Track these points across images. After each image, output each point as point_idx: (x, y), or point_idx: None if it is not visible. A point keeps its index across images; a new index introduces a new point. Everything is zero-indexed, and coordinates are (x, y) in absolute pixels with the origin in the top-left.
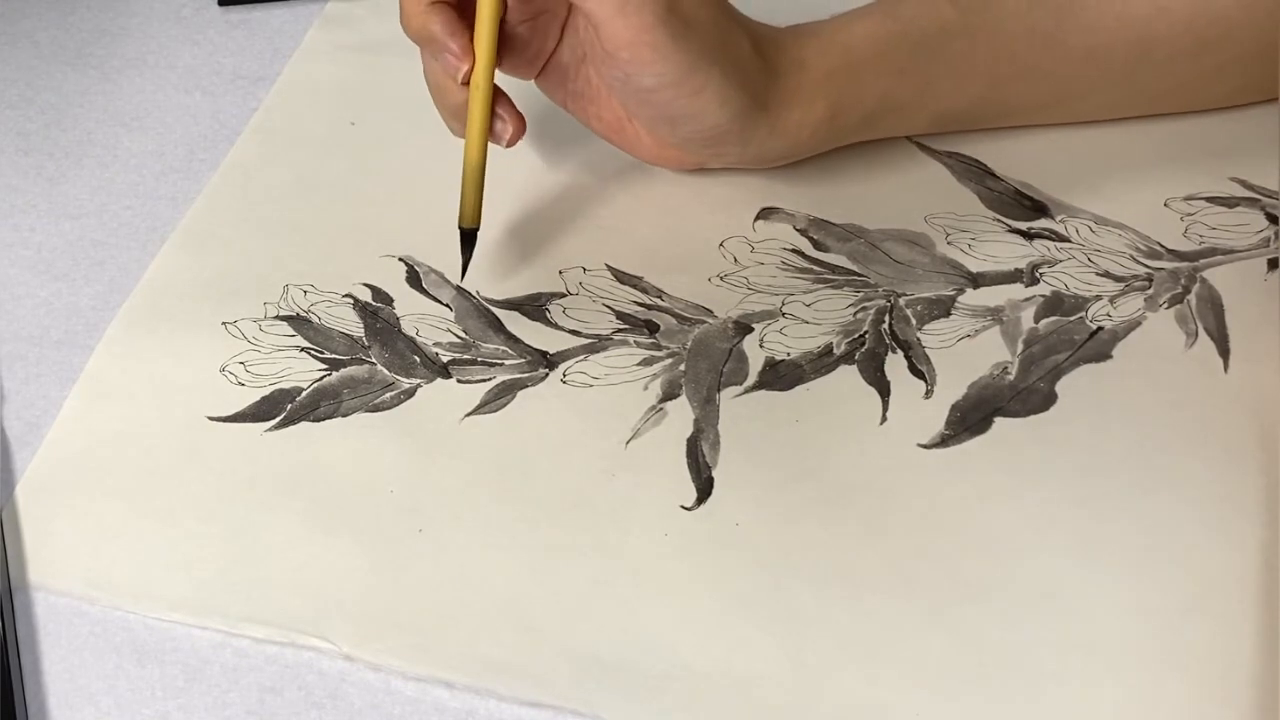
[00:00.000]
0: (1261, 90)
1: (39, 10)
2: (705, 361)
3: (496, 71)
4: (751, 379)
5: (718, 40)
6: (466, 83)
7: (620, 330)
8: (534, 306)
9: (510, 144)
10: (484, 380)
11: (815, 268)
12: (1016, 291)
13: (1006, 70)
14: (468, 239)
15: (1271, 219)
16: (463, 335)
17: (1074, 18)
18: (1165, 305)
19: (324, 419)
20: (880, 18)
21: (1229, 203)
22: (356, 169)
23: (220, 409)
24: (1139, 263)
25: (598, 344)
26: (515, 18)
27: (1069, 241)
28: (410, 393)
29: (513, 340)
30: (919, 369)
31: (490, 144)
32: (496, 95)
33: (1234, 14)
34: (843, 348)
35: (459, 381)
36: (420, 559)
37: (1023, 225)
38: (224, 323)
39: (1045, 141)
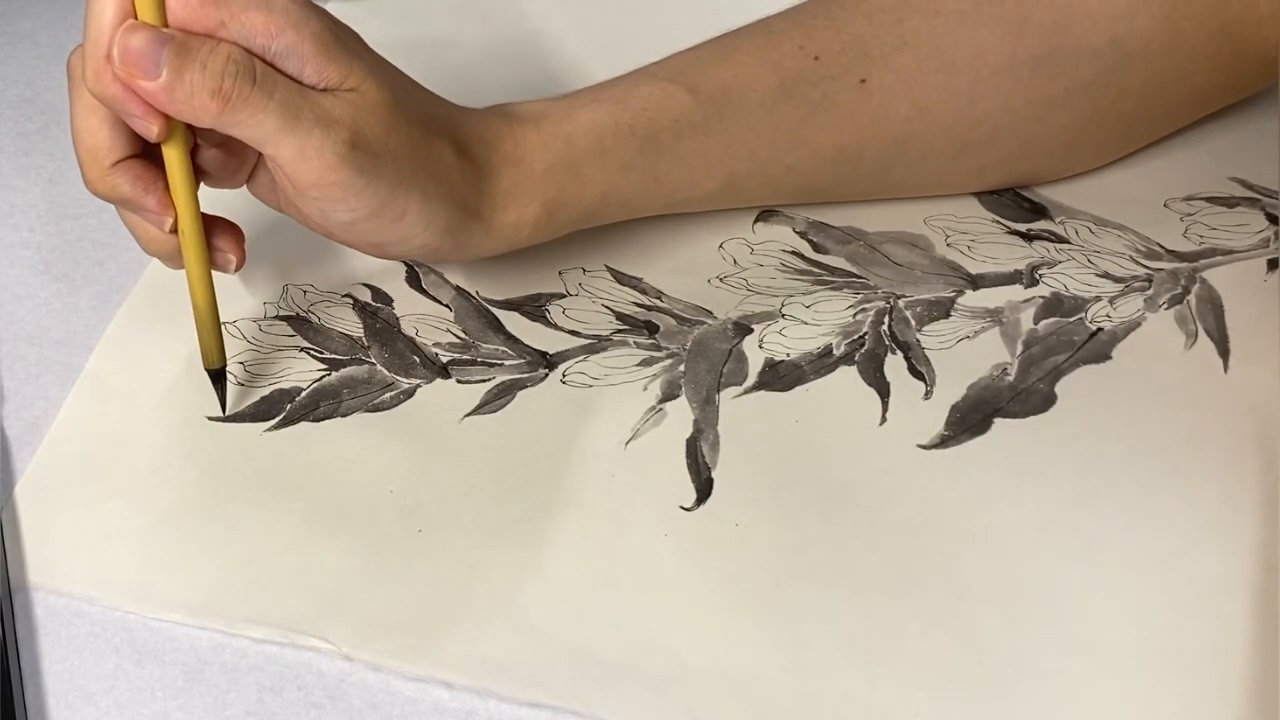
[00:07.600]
0: (1028, 179)
1: (39, 10)
2: (705, 362)
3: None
4: (751, 380)
5: (413, 163)
6: (174, 232)
7: (620, 331)
8: (534, 307)
9: (237, 269)
10: (484, 380)
11: (814, 269)
12: (1016, 293)
13: (745, 166)
14: (217, 379)
15: (1271, 219)
16: (462, 335)
17: (824, 114)
18: (1165, 306)
19: (324, 419)
20: (610, 107)
21: (1229, 203)
22: None
23: (220, 409)
24: (1138, 263)
25: (597, 344)
26: (206, 141)
27: (1068, 243)
28: (410, 393)
29: (512, 340)
30: (918, 370)
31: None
32: (211, 227)
33: (998, 118)
34: (842, 349)
35: (459, 381)
36: (420, 559)
37: (1022, 227)
38: (224, 323)
39: None
